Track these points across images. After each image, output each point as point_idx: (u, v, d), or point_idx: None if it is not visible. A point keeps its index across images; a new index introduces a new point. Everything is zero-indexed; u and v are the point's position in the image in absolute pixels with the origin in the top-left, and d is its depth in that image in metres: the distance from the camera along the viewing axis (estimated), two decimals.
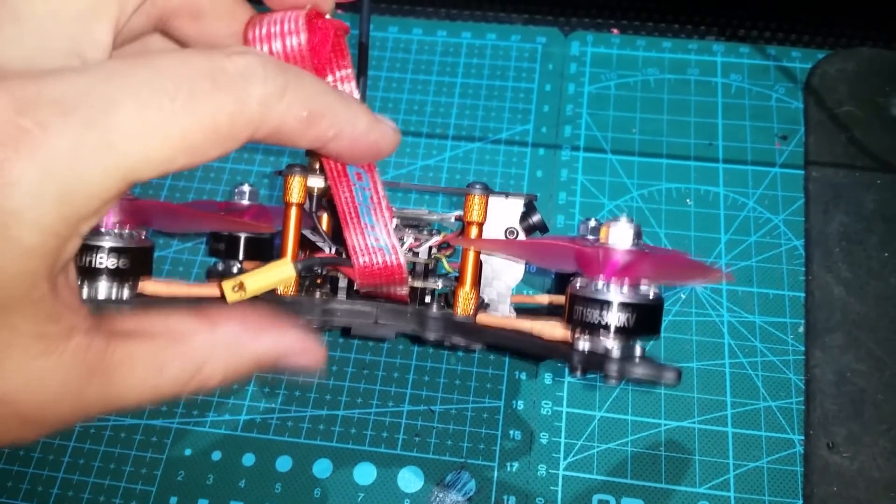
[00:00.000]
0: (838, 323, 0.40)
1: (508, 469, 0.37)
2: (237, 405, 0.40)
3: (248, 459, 0.38)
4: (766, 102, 0.48)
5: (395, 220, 0.31)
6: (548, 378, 0.40)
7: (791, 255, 0.42)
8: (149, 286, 0.30)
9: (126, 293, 0.29)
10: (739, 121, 0.47)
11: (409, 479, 0.37)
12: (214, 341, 0.23)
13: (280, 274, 0.26)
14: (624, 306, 0.27)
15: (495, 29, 0.52)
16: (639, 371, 0.26)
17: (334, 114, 0.22)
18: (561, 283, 0.37)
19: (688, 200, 0.45)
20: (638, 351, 0.27)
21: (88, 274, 0.29)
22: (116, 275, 0.29)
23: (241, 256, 0.36)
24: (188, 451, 0.38)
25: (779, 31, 0.51)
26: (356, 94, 0.27)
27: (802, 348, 0.40)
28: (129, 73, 0.18)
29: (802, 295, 0.41)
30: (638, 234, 0.28)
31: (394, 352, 0.41)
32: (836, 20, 0.51)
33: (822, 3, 0.51)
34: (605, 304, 0.27)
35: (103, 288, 0.29)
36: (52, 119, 0.17)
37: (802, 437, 0.37)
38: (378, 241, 0.28)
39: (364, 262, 0.29)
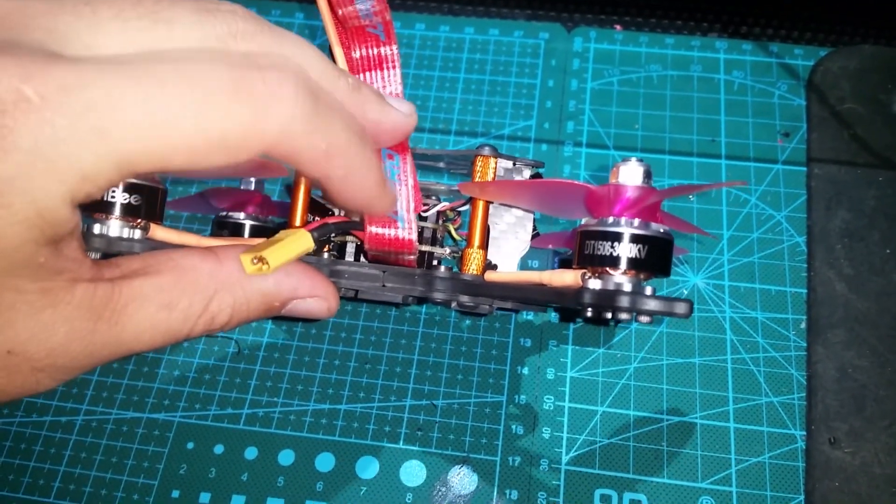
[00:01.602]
0: (840, 319, 0.40)
1: (511, 464, 0.37)
2: (240, 399, 0.40)
3: (251, 453, 0.38)
4: (769, 99, 0.48)
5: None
6: (550, 373, 0.40)
7: (793, 251, 0.42)
8: (159, 232, 0.30)
9: (138, 234, 0.29)
10: (742, 117, 0.47)
11: (412, 473, 0.37)
12: (220, 274, 0.23)
13: (300, 246, 0.25)
14: (636, 237, 0.27)
15: (498, 24, 0.52)
16: (651, 304, 0.26)
17: (351, 156, 0.22)
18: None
19: (690, 196, 0.45)
20: (648, 291, 0.27)
21: (100, 209, 0.28)
22: (129, 212, 0.29)
23: None
24: (191, 445, 0.38)
25: (781, 28, 0.51)
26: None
27: (804, 344, 0.40)
28: (145, 69, 0.18)
29: (804, 291, 0.41)
30: (647, 174, 0.28)
31: (396, 346, 0.41)
32: (837, 18, 0.51)
33: (824, 1, 0.51)
34: (616, 236, 0.27)
35: (115, 226, 0.29)
36: (54, 94, 0.16)
37: (804, 433, 0.37)
38: (395, 214, 0.28)
39: (376, 231, 0.29)
